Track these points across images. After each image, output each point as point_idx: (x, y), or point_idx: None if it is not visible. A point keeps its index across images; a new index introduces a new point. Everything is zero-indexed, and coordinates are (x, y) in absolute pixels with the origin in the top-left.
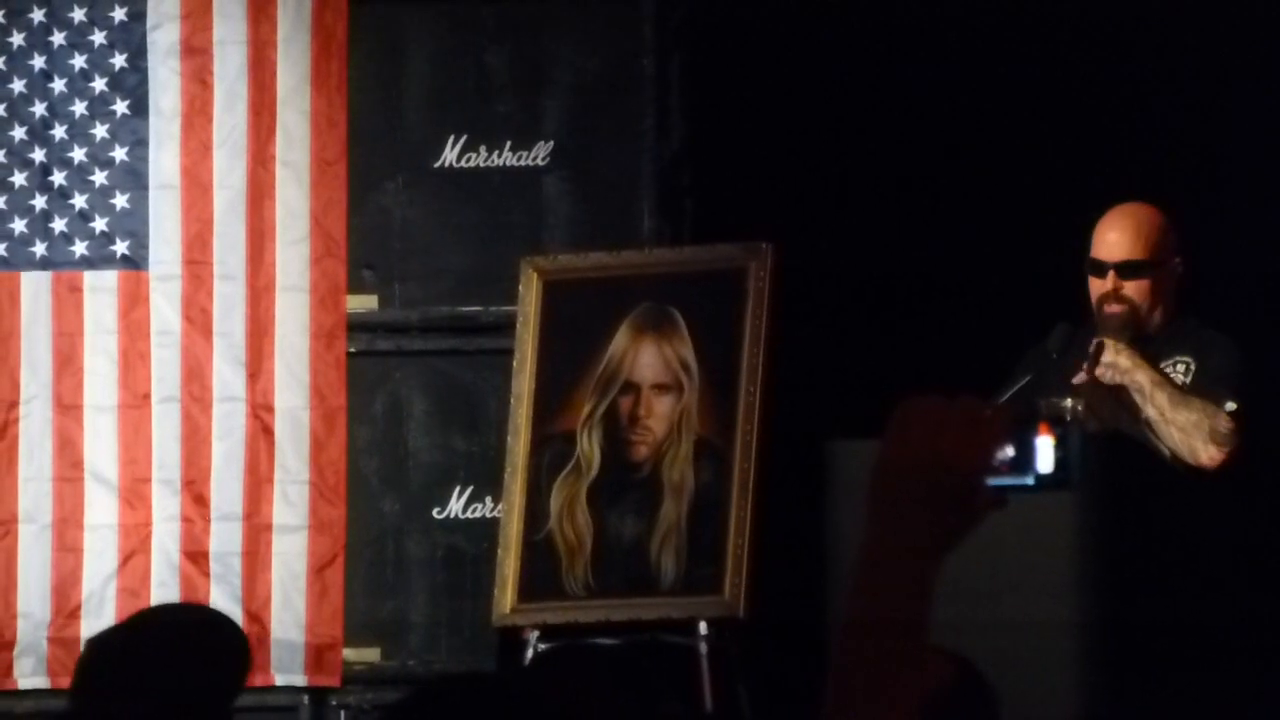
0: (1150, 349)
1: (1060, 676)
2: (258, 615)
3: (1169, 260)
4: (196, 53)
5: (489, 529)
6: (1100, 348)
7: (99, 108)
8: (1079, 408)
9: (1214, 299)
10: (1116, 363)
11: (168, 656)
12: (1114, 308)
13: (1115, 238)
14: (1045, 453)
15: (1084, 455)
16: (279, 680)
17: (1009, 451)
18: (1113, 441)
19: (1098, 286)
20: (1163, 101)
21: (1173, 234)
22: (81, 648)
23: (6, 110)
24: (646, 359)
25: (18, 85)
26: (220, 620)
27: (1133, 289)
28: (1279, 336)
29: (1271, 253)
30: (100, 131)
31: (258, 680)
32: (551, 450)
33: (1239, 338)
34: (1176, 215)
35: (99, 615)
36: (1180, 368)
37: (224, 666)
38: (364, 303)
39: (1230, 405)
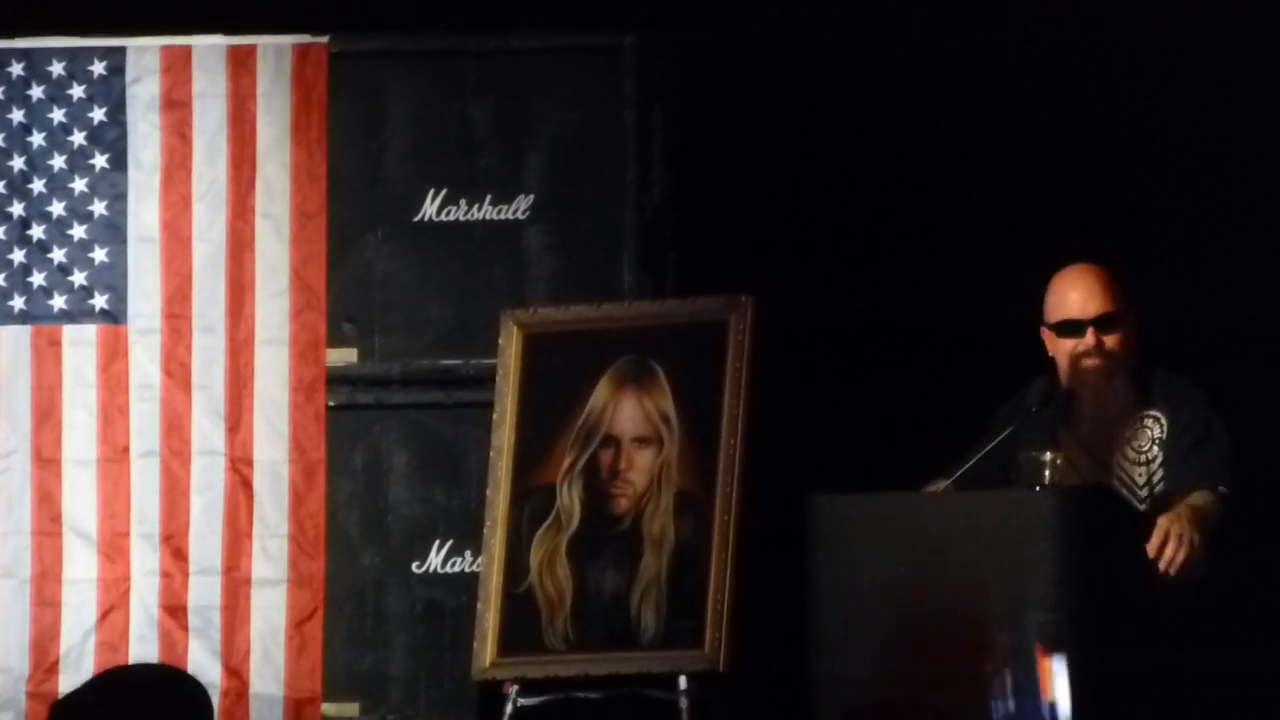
0: (1125, 399)
1: None
2: (237, 670)
3: (1132, 311)
4: (176, 106)
5: (469, 582)
6: (1154, 528)
7: (78, 161)
8: (1059, 461)
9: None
10: (1174, 531)
11: (132, 716)
12: (1092, 361)
13: (1082, 297)
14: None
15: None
16: None
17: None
18: (1093, 495)
19: (1071, 345)
20: (1136, 160)
21: (1127, 286)
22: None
23: None
24: (627, 412)
25: None
26: (182, 677)
27: (1110, 341)
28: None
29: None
30: (80, 185)
31: None
32: (532, 503)
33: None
34: (1127, 271)
35: (78, 670)
36: (1150, 422)
37: None
38: (344, 356)
39: (1222, 489)
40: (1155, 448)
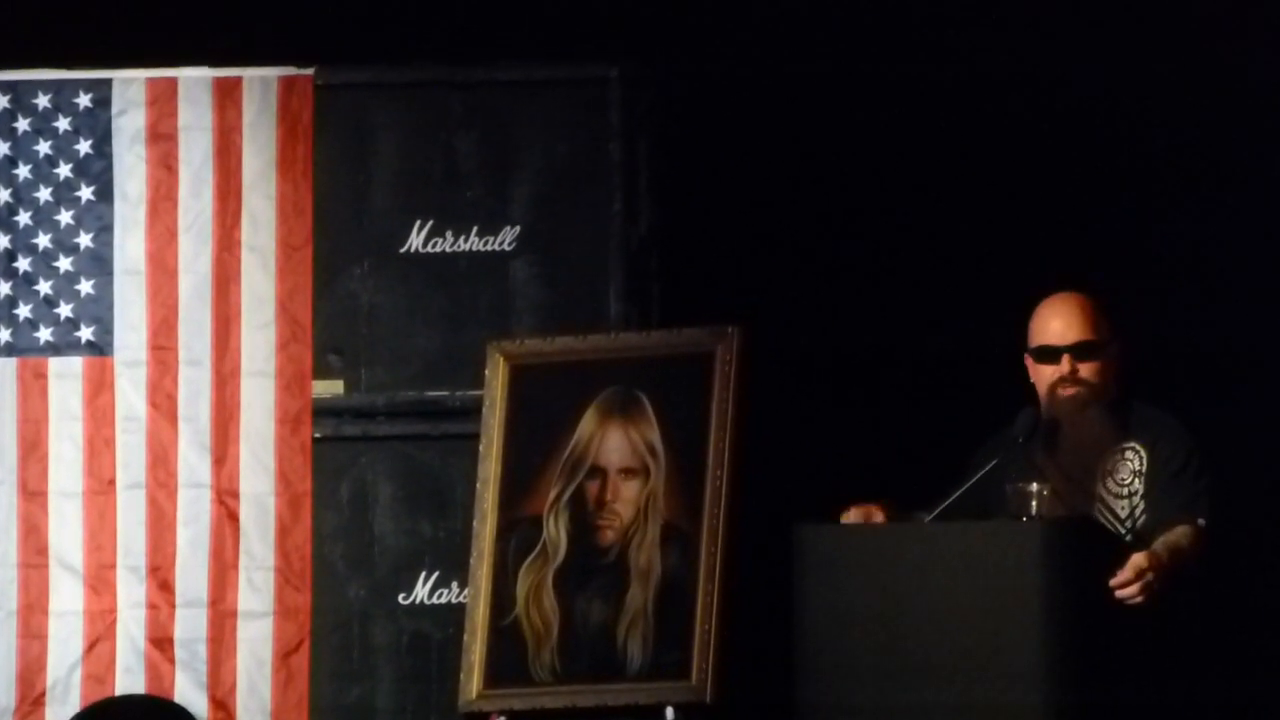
0: (1103, 430)
1: None
2: (223, 702)
3: (1113, 342)
4: (162, 138)
5: (455, 614)
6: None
7: (64, 193)
8: (1045, 492)
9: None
10: (1143, 571)
11: None
12: (1069, 390)
13: (1061, 324)
14: None
15: None
16: None
17: None
18: (1079, 526)
19: (1050, 373)
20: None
21: (1111, 317)
22: None
23: None
24: (613, 443)
25: None
26: (170, 708)
27: (1087, 370)
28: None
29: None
30: (65, 217)
31: None
32: (518, 535)
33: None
34: (1112, 300)
35: (64, 702)
36: (1130, 454)
37: None
38: (330, 388)
39: (1201, 522)
40: (1136, 480)
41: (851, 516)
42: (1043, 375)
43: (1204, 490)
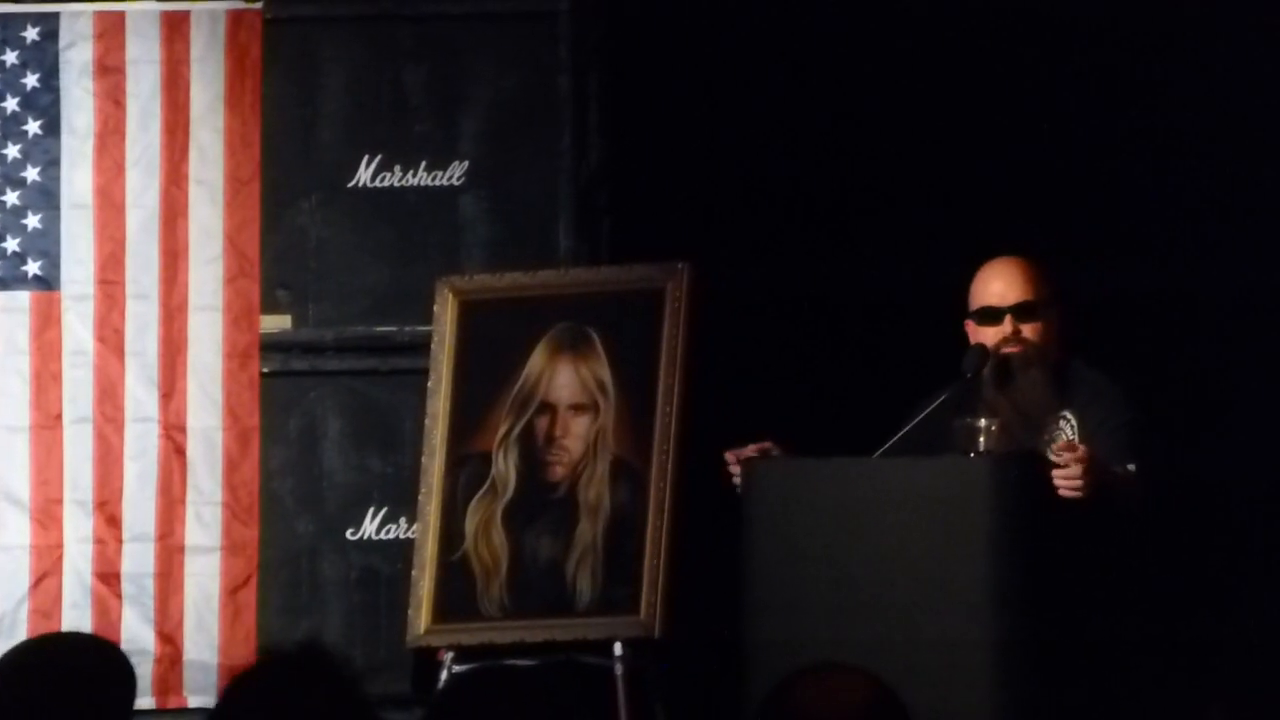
0: (1043, 395)
1: (974, 694)
2: (171, 637)
3: (1055, 303)
4: (110, 72)
5: (404, 550)
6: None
7: (11, 128)
8: (993, 427)
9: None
10: (1083, 456)
11: (51, 687)
12: (1013, 348)
13: (1003, 286)
14: None
15: None
16: (192, 702)
17: None
18: (1026, 461)
19: (992, 334)
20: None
21: (1052, 278)
22: None
23: None
24: (563, 379)
25: None
26: (103, 646)
27: (1029, 330)
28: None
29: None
30: (12, 151)
31: (171, 702)
32: (467, 471)
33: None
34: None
35: (10, 636)
36: (1063, 424)
37: (109, 693)
38: (278, 322)
39: (1131, 467)
40: None
41: (748, 453)
42: (985, 337)
43: (1132, 442)
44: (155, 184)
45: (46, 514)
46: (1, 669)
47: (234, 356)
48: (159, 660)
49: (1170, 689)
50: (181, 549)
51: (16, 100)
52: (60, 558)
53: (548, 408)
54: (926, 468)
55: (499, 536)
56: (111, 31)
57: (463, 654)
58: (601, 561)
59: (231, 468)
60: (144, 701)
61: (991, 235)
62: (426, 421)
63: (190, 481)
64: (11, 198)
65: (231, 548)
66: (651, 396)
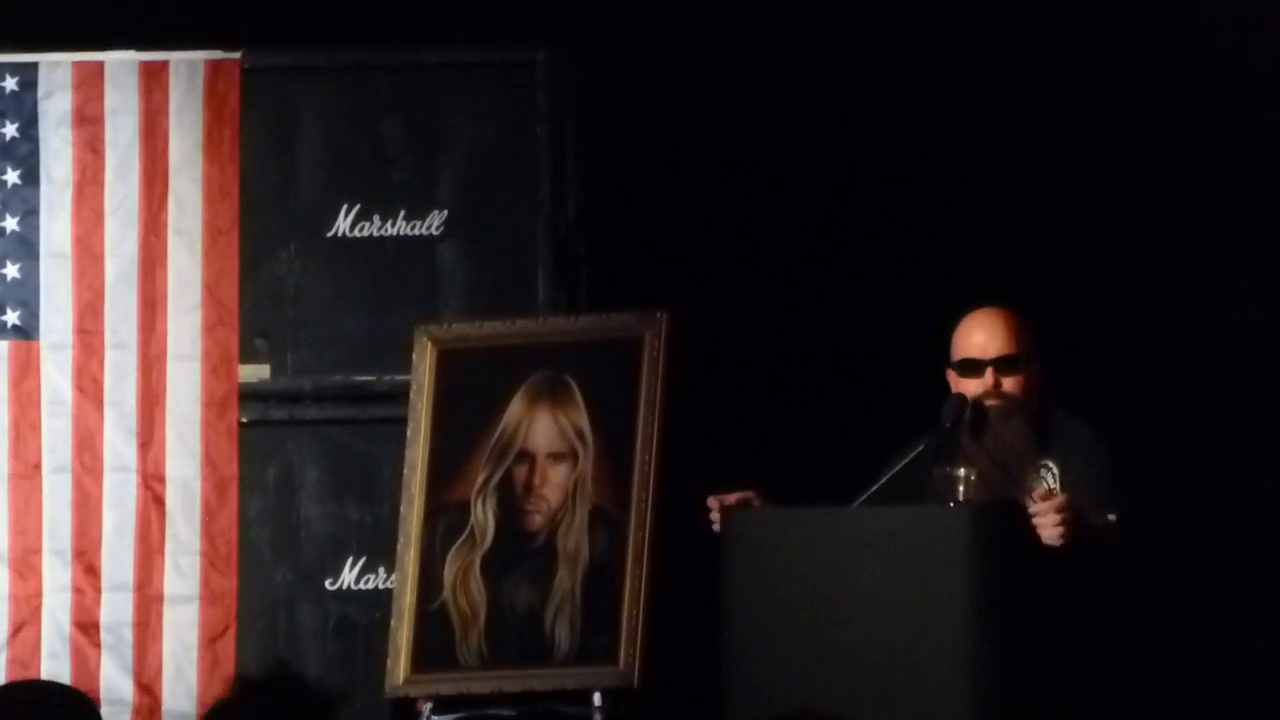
0: (1023, 444)
1: None
2: (149, 686)
3: (1034, 355)
4: (88, 121)
5: (382, 599)
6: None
7: None
8: (972, 477)
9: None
10: (1062, 503)
11: None
12: (994, 401)
13: (984, 338)
14: None
15: None
16: None
17: None
18: (1005, 511)
19: (975, 385)
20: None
21: (1031, 331)
22: None
23: None
24: (541, 428)
25: None
26: (74, 696)
27: (1010, 383)
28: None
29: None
30: None
31: None
32: (446, 520)
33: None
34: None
35: None
36: (1044, 472)
37: None
38: (257, 371)
39: (1111, 517)
40: None
41: (729, 500)
42: (967, 389)
43: (1113, 493)
44: (134, 233)
45: (25, 563)
46: None
47: (212, 406)
48: (137, 710)
49: None
50: (160, 598)
51: None
52: (39, 607)
53: (526, 456)
54: (905, 517)
55: (477, 586)
56: (90, 81)
57: (441, 704)
58: (580, 611)
59: (210, 517)
60: None
61: (971, 284)
62: (405, 470)
63: (169, 531)
64: None
65: (210, 597)
66: (630, 445)
